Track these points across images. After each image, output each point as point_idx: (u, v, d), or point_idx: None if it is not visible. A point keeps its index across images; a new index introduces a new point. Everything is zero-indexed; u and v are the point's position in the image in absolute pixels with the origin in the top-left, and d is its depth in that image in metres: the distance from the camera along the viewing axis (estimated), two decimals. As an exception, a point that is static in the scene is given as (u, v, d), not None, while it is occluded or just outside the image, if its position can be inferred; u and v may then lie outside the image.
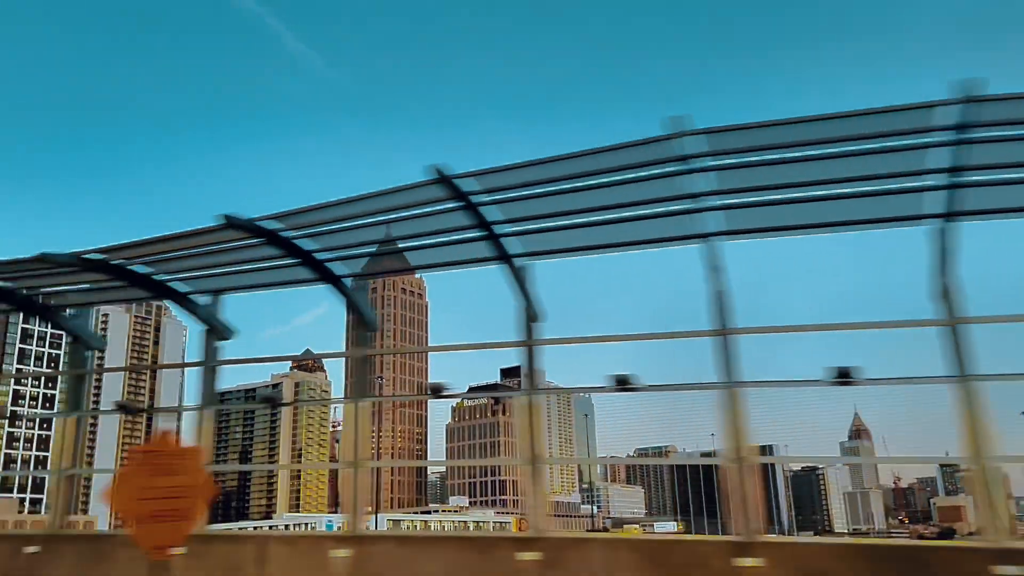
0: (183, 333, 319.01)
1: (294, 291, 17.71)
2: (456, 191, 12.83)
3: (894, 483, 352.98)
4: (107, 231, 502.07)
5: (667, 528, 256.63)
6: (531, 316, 15.23)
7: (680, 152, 11.67)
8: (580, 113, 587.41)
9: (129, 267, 16.43)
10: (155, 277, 16.85)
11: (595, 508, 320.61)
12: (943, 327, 12.46)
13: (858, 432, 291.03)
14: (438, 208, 13.54)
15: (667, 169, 12.17)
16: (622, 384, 14.23)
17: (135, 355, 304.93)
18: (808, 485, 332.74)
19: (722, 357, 13.08)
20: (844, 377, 12.64)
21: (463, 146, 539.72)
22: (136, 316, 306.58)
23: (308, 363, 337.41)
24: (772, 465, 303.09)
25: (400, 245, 15.66)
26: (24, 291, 18.84)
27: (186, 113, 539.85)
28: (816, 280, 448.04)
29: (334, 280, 16.10)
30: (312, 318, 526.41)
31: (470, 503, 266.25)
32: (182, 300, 17.46)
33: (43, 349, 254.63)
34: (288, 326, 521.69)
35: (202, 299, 17.41)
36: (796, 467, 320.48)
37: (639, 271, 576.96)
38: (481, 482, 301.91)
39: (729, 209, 13.00)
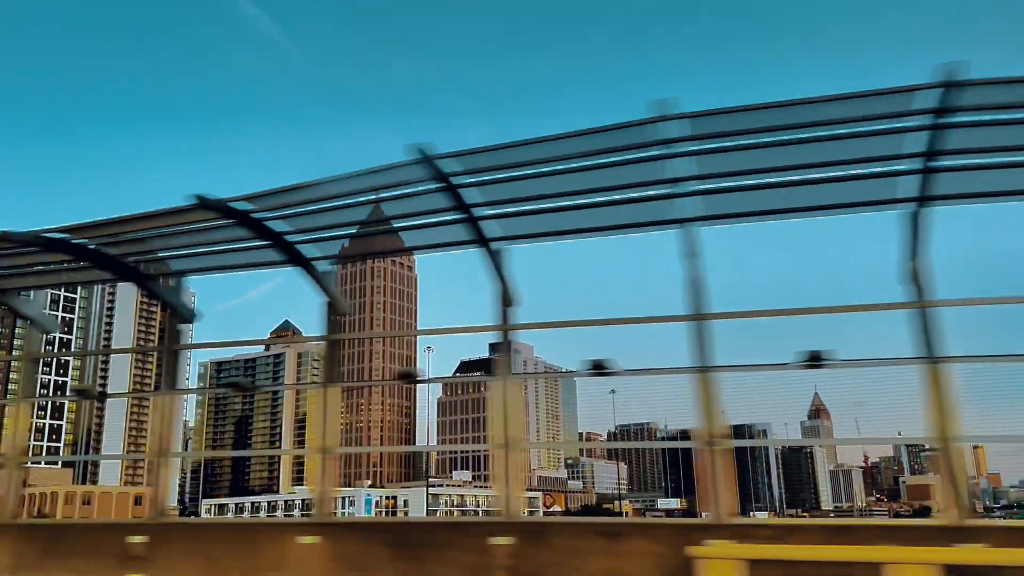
0: (192, 299, 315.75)
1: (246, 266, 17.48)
2: (437, 172, 12.71)
3: (863, 462, 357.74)
4: (36, 209, 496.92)
5: (671, 505, 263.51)
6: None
7: (662, 136, 11.68)
8: (553, 100, 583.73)
9: (92, 247, 15.96)
10: (122, 260, 16.57)
11: (582, 483, 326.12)
12: (914, 309, 12.63)
13: (817, 412, 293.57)
14: (419, 189, 13.46)
15: (647, 153, 12.17)
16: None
17: (143, 324, 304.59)
18: (797, 463, 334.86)
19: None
20: (815, 360, 12.76)
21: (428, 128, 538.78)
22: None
23: (287, 334, 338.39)
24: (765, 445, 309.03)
25: (376, 228, 15.48)
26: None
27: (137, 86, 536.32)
28: (789, 264, 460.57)
29: (304, 263, 15.83)
30: (260, 294, 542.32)
31: (473, 477, 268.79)
32: (144, 281, 17.15)
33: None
34: (241, 299, 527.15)
35: (171, 280, 17.39)
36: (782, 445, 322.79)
37: (618, 256, 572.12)
38: (474, 455, 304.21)
39: (708, 194, 13.12)
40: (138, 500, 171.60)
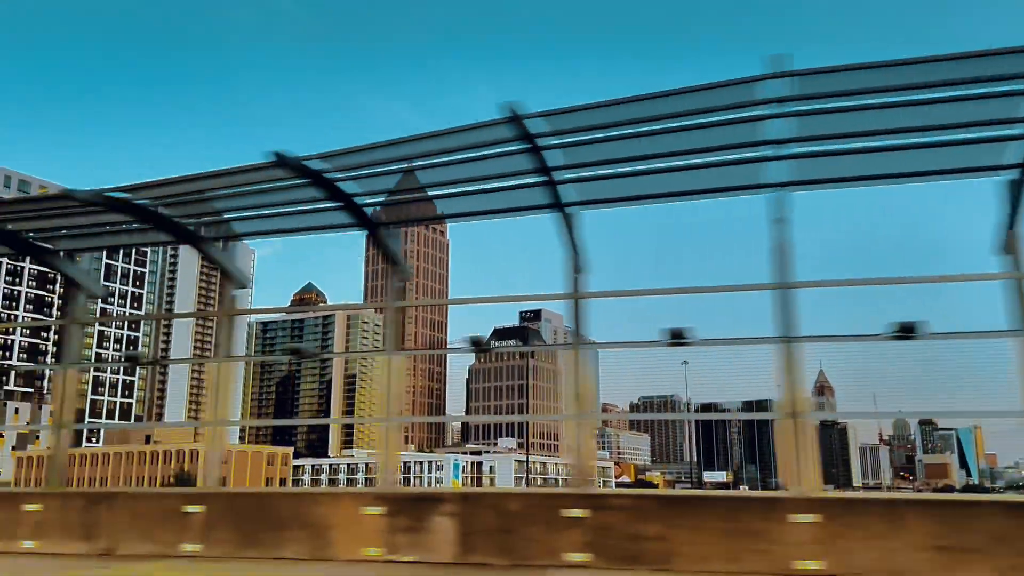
0: (251, 257, 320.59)
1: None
2: (524, 132, 11.96)
3: (879, 440, 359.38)
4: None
5: (718, 478, 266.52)
6: (577, 267, 14.14)
7: (761, 96, 11.16)
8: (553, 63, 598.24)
9: (152, 208, 15.40)
10: (181, 221, 15.98)
11: (608, 453, 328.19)
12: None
13: (821, 388, 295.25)
14: (498, 151, 12.76)
15: (744, 114, 11.59)
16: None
17: (204, 280, 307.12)
18: (828, 440, 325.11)
19: (780, 311, 12.60)
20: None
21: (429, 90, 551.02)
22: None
23: (311, 296, 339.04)
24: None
25: (434, 192, 14.64)
26: (28, 234, 17.52)
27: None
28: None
29: (371, 226, 15.24)
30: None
31: (518, 444, 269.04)
32: (200, 243, 16.52)
33: (127, 287, 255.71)
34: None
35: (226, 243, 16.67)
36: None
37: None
38: (508, 424, 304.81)
39: (802, 158, 12.57)
40: (270, 460, 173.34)
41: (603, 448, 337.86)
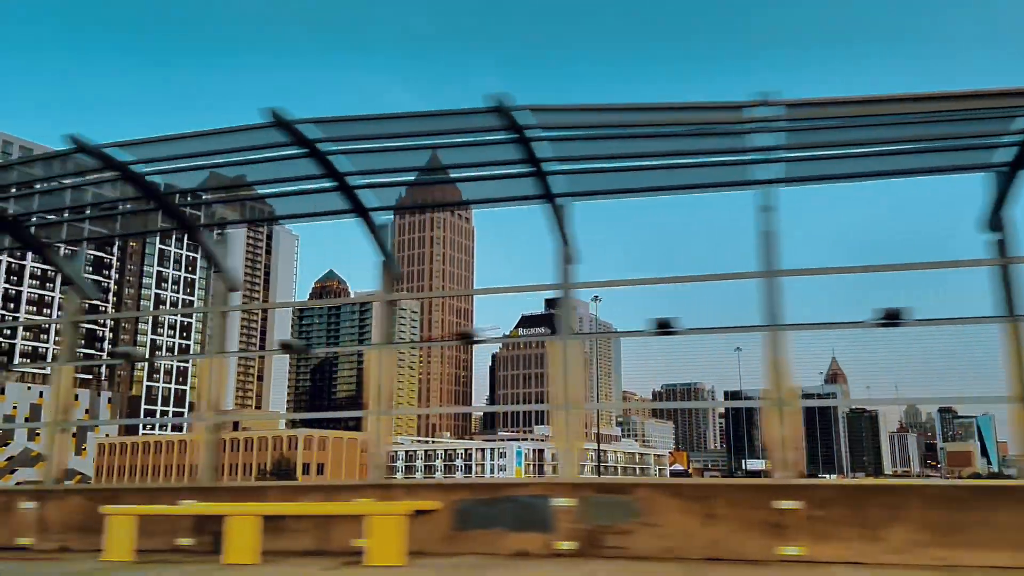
0: (295, 242, 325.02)
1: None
2: (511, 123, 12.04)
3: (899, 427, 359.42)
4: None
5: (757, 467, 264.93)
6: (567, 258, 14.12)
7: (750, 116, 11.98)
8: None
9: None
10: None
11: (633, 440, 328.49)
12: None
13: (834, 376, 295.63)
14: (487, 139, 12.81)
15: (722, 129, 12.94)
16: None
17: (249, 264, 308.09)
18: (859, 426, 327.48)
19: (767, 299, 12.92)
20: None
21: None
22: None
23: (333, 284, 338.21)
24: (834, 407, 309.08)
25: (442, 176, 14.60)
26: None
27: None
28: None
29: (364, 213, 14.47)
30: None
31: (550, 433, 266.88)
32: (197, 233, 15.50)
33: (179, 272, 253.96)
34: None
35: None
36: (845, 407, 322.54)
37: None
38: (535, 413, 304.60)
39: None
40: (364, 447, 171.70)
41: (628, 436, 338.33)
